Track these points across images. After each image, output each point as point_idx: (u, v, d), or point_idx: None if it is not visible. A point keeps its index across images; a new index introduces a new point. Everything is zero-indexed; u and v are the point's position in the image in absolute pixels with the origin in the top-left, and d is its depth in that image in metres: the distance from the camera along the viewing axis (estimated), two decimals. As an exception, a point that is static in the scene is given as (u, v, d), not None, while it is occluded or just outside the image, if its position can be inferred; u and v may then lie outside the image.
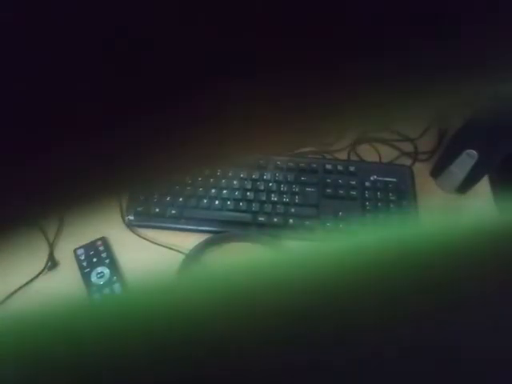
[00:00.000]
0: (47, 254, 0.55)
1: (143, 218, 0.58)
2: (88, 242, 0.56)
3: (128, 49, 0.08)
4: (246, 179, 0.60)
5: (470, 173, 0.59)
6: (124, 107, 0.09)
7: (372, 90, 0.10)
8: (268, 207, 0.58)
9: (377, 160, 0.66)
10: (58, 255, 0.56)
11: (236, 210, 0.58)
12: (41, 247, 0.56)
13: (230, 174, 0.60)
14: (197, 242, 0.55)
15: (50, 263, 0.55)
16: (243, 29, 0.08)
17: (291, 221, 0.57)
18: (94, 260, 0.54)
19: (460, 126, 0.59)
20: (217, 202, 0.58)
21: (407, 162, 0.65)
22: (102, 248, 0.55)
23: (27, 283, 0.53)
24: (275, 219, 0.57)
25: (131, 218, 0.57)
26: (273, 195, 0.59)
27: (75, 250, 0.55)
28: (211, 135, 0.11)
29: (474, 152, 0.57)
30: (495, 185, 0.62)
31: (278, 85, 0.10)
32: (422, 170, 0.64)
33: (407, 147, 0.67)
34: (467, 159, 0.58)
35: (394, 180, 0.61)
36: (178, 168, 0.12)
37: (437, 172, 0.63)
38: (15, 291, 0.52)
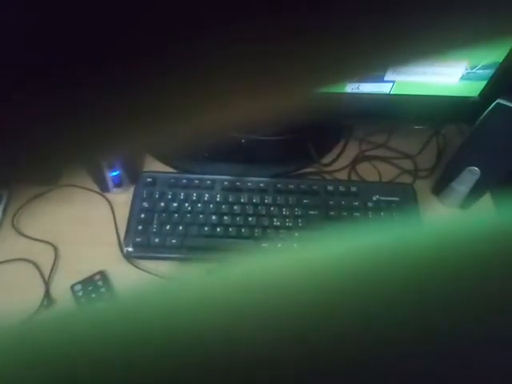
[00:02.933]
0: (43, 292, 0.53)
1: (142, 250, 0.56)
2: (85, 276, 0.54)
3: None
4: (247, 204, 0.58)
5: (472, 189, 0.59)
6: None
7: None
8: (271, 232, 0.57)
9: (377, 179, 0.65)
10: (54, 292, 0.53)
11: (238, 236, 0.56)
12: (35, 284, 0.54)
13: (230, 199, 0.59)
14: (198, 271, 0.53)
15: (45, 301, 0.52)
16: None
17: (295, 245, 0.56)
18: (93, 296, 0.52)
19: (459, 141, 0.58)
20: (218, 230, 0.56)
21: (408, 179, 0.65)
22: (100, 282, 0.53)
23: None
24: (279, 245, 0.56)
25: (130, 249, 0.55)
26: (275, 220, 0.57)
27: (72, 286, 0.53)
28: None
29: (476, 169, 0.56)
30: (498, 199, 0.62)
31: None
32: (423, 187, 0.64)
33: (407, 164, 0.67)
34: (469, 175, 0.58)
35: (397, 199, 0.61)
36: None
37: (439, 189, 0.63)
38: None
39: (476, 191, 0.59)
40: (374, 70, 0.11)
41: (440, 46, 0.10)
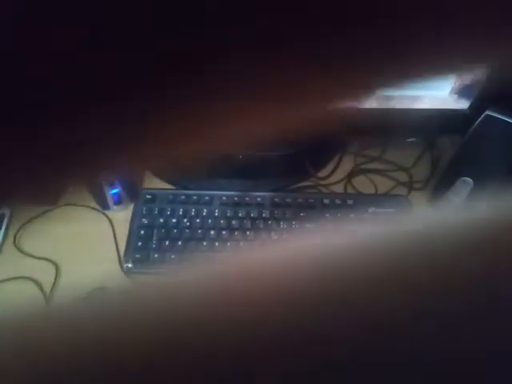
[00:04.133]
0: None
1: (142, 265, 0.56)
2: (85, 293, 0.54)
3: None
4: (245, 218, 0.59)
5: (466, 199, 0.60)
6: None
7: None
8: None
9: (373, 191, 0.66)
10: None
11: (234, 251, 0.57)
12: (36, 300, 0.54)
13: (228, 214, 0.60)
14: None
15: (46, 318, 0.53)
16: None
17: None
18: (93, 312, 0.52)
19: (452, 152, 0.60)
20: (217, 244, 0.57)
21: (403, 191, 0.66)
22: (100, 299, 0.53)
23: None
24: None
25: (130, 265, 0.56)
26: (273, 233, 0.58)
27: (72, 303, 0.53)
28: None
29: (469, 179, 0.57)
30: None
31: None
32: (418, 199, 0.65)
33: (402, 177, 0.68)
34: (463, 186, 0.58)
35: (392, 210, 0.61)
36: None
37: (434, 200, 0.64)
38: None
39: (470, 202, 0.60)
40: (373, 89, 0.11)
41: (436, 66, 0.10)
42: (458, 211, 0.12)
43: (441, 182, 0.62)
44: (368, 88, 0.11)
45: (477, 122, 0.53)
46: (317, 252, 0.11)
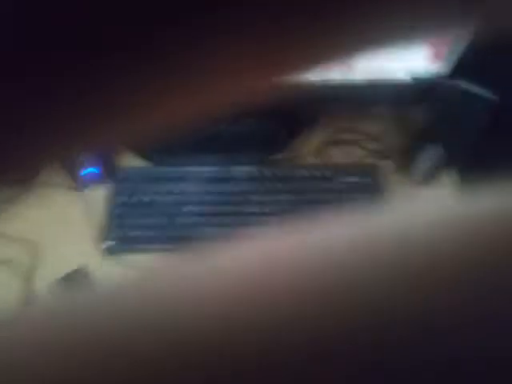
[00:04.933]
0: (23, 291, 0.54)
1: (122, 243, 0.57)
2: (65, 273, 0.55)
3: None
4: (222, 193, 0.60)
5: (435, 165, 0.62)
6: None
7: None
8: (247, 219, 0.58)
9: (346, 161, 0.67)
10: (34, 291, 0.54)
11: (215, 225, 0.58)
12: (16, 284, 0.55)
13: (205, 189, 0.60)
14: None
15: (26, 300, 0.53)
16: None
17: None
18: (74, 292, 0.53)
19: (422, 119, 0.61)
20: (194, 219, 0.58)
21: (376, 160, 0.67)
22: (80, 278, 0.54)
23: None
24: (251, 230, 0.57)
25: (110, 244, 0.56)
26: (250, 207, 0.59)
27: (53, 283, 0.54)
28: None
29: (438, 146, 0.59)
30: (462, 175, 0.65)
31: None
32: (390, 167, 0.66)
33: (374, 146, 0.69)
34: (431, 154, 0.60)
35: (367, 180, 0.63)
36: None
37: (405, 166, 0.65)
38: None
39: (439, 167, 0.62)
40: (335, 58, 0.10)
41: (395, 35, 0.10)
42: (437, 206, 0.11)
43: (411, 150, 0.63)
44: (334, 54, 0.10)
45: (444, 91, 0.54)
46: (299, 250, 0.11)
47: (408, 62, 0.57)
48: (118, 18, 0.08)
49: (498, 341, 0.08)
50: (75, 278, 0.54)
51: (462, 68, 0.55)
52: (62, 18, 0.08)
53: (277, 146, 0.68)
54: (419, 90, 0.60)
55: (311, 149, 0.68)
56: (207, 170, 0.62)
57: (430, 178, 0.63)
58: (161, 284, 0.10)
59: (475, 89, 0.52)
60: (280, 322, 0.09)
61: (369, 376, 0.08)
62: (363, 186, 0.63)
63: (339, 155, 0.68)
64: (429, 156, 0.61)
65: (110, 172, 0.62)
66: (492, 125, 0.54)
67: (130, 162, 0.65)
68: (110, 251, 0.56)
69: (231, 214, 0.59)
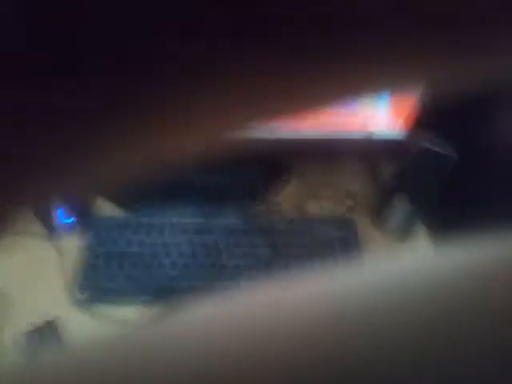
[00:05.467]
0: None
1: (94, 295, 0.56)
2: (35, 325, 0.53)
3: None
4: (199, 245, 0.61)
5: (405, 221, 0.64)
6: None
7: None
8: (222, 272, 0.59)
9: (322, 215, 0.69)
10: (2, 342, 0.52)
11: (191, 278, 0.58)
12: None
13: (181, 241, 0.61)
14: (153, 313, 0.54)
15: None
16: None
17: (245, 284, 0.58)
18: (43, 345, 0.51)
19: (389, 174, 0.65)
20: (170, 272, 0.58)
21: (352, 215, 0.70)
22: (51, 331, 0.52)
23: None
24: (228, 283, 0.58)
25: (82, 295, 0.55)
26: (225, 259, 0.60)
27: (21, 336, 0.52)
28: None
29: (406, 203, 0.62)
30: (432, 230, 0.68)
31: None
32: (365, 222, 0.69)
33: (350, 201, 0.72)
34: (401, 209, 0.63)
35: (342, 234, 0.65)
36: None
37: (377, 221, 0.68)
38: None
39: (409, 223, 0.65)
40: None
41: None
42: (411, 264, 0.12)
43: (382, 206, 0.66)
44: (300, 107, 0.11)
45: (406, 149, 0.58)
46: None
47: (373, 118, 0.61)
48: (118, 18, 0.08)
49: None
50: (46, 331, 0.52)
51: (422, 125, 0.59)
52: (62, 18, 0.08)
53: (254, 198, 0.70)
54: (384, 147, 0.63)
55: (289, 201, 0.70)
56: (184, 221, 0.63)
57: (403, 231, 0.66)
58: (134, 339, 0.10)
59: (434, 146, 0.56)
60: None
61: None
62: (339, 239, 0.64)
63: (315, 208, 0.70)
64: (400, 210, 0.64)
65: (84, 221, 0.62)
66: (453, 177, 0.58)
67: (106, 210, 0.65)
68: (83, 303, 0.55)
69: (207, 266, 0.59)
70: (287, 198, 0.71)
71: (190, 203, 0.66)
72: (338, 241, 0.64)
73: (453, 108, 0.48)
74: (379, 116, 0.60)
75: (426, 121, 0.59)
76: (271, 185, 0.72)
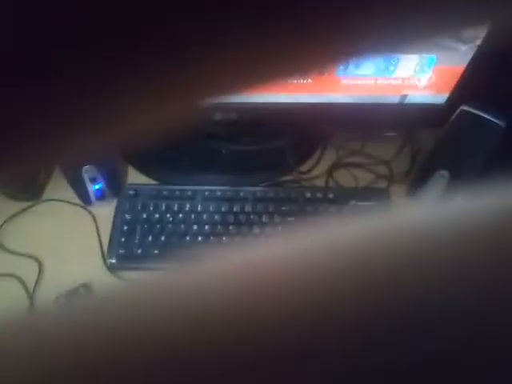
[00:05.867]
0: (27, 306, 0.54)
1: (126, 261, 0.57)
2: (69, 289, 0.55)
3: None
4: (227, 213, 0.60)
5: (443, 192, 0.61)
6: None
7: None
8: (252, 240, 0.58)
9: (353, 185, 0.67)
10: (34, 306, 0.54)
11: (220, 245, 0.58)
12: (20, 298, 0.55)
13: (210, 209, 0.60)
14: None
15: (30, 315, 0.53)
16: None
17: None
18: (77, 308, 0.53)
19: (431, 146, 0.61)
20: (200, 238, 0.58)
21: (383, 184, 0.67)
22: (83, 295, 0.54)
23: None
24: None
25: (113, 261, 0.56)
26: (255, 228, 0.59)
27: (56, 299, 0.54)
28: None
29: (446, 172, 0.59)
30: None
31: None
32: (398, 192, 0.66)
33: (382, 170, 0.69)
34: (440, 179, 0.60)
35: (372, 203, 0.63)
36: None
37: (412, 193, 0.65)
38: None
39: (447, 194, 0.61)
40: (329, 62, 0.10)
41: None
42: (435, 209, 0.12)
43: (419, 175, 0.63)
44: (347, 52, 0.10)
45: (453, 116, 0.54)
46: (300, 251, 0.11)
47: (418, 87, 0.57)
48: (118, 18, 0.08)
49: (488, 338, 0.08)
50: (78, 294, 0.54)
51: (470, 93, 0.55)
52: (62, 18, 0.08)
53: (285, 168, 0.68)
54: (426, 115, 0.60)
55: (319, 171, 0.68)
56: (212, 189, 0.62)
57: (438, 203, 0.63)
58: (157, 292, 0.10)
59: (484, 114, 0.52)
60: (265, 321, 0.09)
61: (356, 375, 0.08)
62: (371, 209, 0.62)
63: (347, 178, 0.68)
64: (437, 181, 0.61)
65: (116, 189, 0.62)
66: (500, 151, 0.54)
67: (138, 180, 0.66)
68: (114, 268, 0.57)
69: (237, 234, 0.59)
70: (318, 167, 0.69)
71: (222, 173, 0.65)
72: (370, 211, 0.62)
73: (503, 76, 0.44)
74: (421, 81, 0.56)
75: (474, 88, 0.54)
76: (302, 153, 0.70)
